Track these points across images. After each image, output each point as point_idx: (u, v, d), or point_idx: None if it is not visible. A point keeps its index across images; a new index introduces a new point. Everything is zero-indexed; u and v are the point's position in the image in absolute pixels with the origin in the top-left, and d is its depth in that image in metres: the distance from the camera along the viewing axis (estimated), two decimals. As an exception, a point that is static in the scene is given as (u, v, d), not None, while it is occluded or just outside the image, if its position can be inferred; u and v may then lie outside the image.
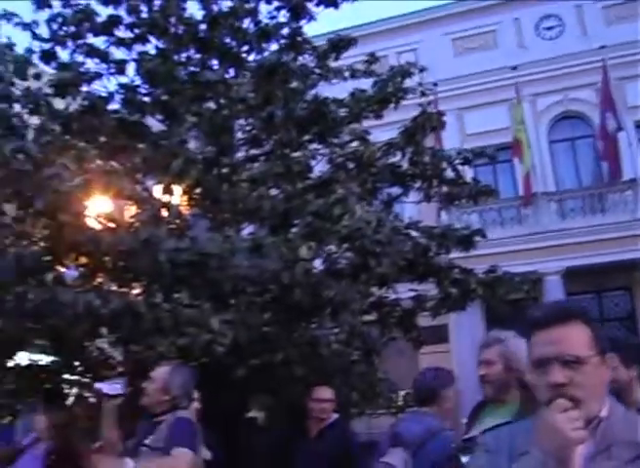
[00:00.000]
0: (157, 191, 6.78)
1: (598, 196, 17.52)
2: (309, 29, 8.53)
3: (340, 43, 8.51)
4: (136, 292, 6.37)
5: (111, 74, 8.25)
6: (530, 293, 8.32)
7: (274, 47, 8.36)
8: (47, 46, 8.05)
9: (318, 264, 6.69)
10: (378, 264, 6.02)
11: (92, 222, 5.77)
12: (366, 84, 8.43)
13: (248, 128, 8.17)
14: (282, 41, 8.33)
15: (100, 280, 6.36)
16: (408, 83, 8.36)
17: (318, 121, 7.49)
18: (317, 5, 8.29)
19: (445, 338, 17.02)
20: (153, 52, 7.99)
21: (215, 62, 8.25)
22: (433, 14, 20.67)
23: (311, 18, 8.27)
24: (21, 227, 6.20)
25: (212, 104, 7.70)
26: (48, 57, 8.04)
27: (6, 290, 5.37)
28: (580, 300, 15.93)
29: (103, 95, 7.82)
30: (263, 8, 8.36)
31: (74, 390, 6.85)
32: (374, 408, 8.96)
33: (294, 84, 7.73)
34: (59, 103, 7.47)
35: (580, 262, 16.42)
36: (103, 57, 8.19)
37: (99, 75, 8.08)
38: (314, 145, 8.03)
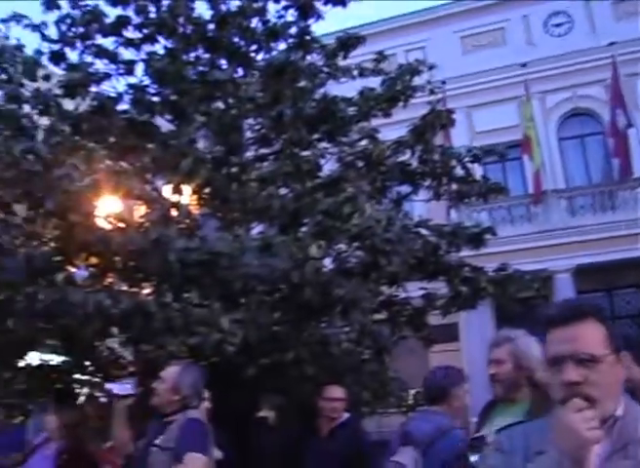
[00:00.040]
0: (167, 191, 6.78)
1: (608, 193, 17.45)
2: (317, 28, 8.55)
3: (348, 41, 8.49)
4: (146, 291, 6.37)
5: (120, 74, 8.27)
6: (540, 292, 8.28)
7: (282, 46, 8.35)
8: (56, 47, 8.07)
9: (328, 263, 6.68)
10: (388, 263, 6.00)
11: (102, 222, 5.77)
12: (374, 82, 8.40)
13: (257, 127, 8.16)
14: (290, 40, 8.31)
15: (110, 280, 6.37)
16: (417, 81, 8.34)
17: (327, 120, 7.48)
18: (325, 4, 8.27)
19: (455, 337, 16.99)
20: (162, 52, 8.00)
21: (223, 62, 8.24)
22: (441, 11, 20.66)
23: (319, 16, 8.25)
24: (32, 228, 6.23)
25: (221, 104, 7.70)
26: (57, 58, 8.06)
27: (17, 290, 5.39)
28: (590, 298, 15.85)
29: (113, 95, 7.83)
30: (271, 7, 8.36)
31: (85, 390, 6.87)
32: (384, 406, 8.94)
33: (302, 83, 7.72)
34: (68, 104, 7.49)
35: (591, 260, 16.37)
36: (112, 57, 8.20)
37: (108, 76, 8.09)
38: (323, 144, 8.01)
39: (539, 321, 1.85)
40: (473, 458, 2.90)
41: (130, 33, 8.15)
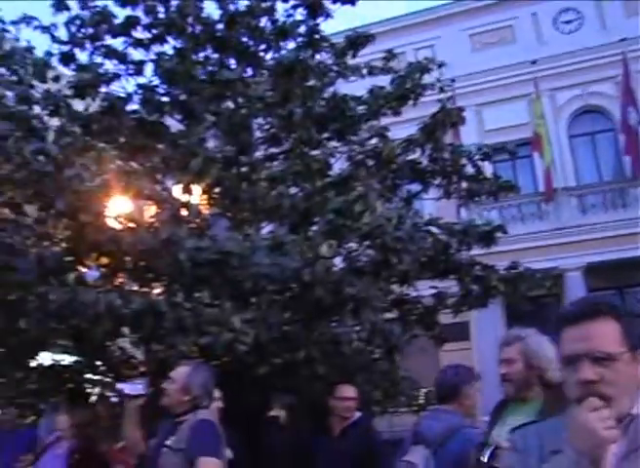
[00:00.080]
0: (177, 191, 6.79)
1: (619, 191, 17.34)
2: (326, 27, 8.55)
3: (357, 40, 8.48)
4: (157, 291, 6.38)
5: (130, 75, 8.30)
6: (551, 290, 8.26)
7: (291, 45, 8.35)
8: (66, 48, 8.12)
9: (339, 262, 6.67)
10: (399, 261, 5.98)
11: (112, 222, 5.79)
12: (383, 81, 8.39)
13: (266, 126, 8.16)
14: (299, 39, 8.32)
15: (121, 280, 6.40)
16: (426, 79, 8.32)
17: (337, 118, 7.48)
18: (334, 2, 8.28)
19: (466, 336, 16.93)
20: (171, 52, 8.02)
21: (232, 61, 8.26)
22: (450, 10, 20.58)
23: (328, 15, 8.25)
24: (43, 228, 6.25)
25: (230, 103, 7.72)
26: (67, 59, 8.10)
27: (28, 290, 5.41)
28: (604, 296, 15.76)
29: (122, 95, 7.86)
30: (280, 6, 8.37)
31: (96, 390, 6.89)
32: (395, 405, 8.92)
33: (312, 82, 7.72)
34: (78, 105, 7.52)
35: (602, 258, 16.26)
36: (122, 57, 8.23)
37: (117, 76, 8.12)
38: (333, 143, 8.01)
39: (553, 319, 1.83)
40: (484, 457, 2.89)
41: (139, 33, 8.19)
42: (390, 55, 8.90)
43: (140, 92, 8.01)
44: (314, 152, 7.41)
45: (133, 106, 7.81)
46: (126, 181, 5.78)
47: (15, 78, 7.24)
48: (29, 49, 7.67)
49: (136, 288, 6.30)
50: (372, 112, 8.08)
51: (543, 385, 3.10)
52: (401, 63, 8.76)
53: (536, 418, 2.48)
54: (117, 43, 8.22)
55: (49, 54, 7.96)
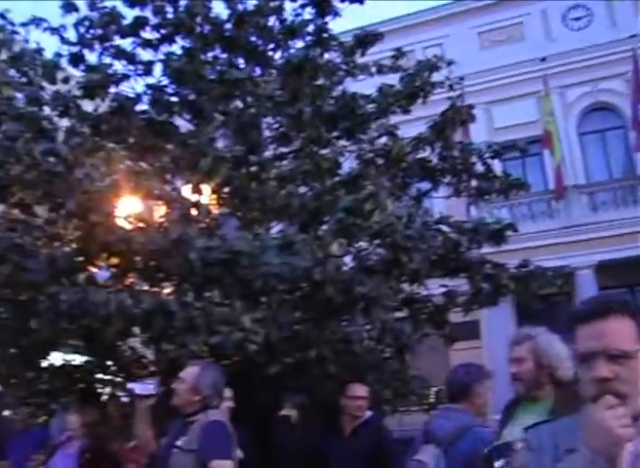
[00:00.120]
0: (186, 190, 6.80)
1: (630, 188, 17.27)
2: (335, 26, 8.52)
3: (365, 38, 8.46)
4: (167, 291, 6.39)
5: (139, 75, 8.31)
6: (562, 288, 8.22)
7: (300, 44, 8.34)
8: (75, 49, 8.14)
9: (349, 261, 6.66)
10: (409, 260, 5.97)
11: (122, 223, 5.79)
12: (392, 79, 8.37)
13: (276, 125, 8.16)
14: (308, 38, 8.31)
15: (131, 280, 6.40)
16: (435, 77, 8.30)
17: (346, 117, 7.47)
18: (342, 1, 8.26)
19: (477, 334, 16.87)
20: (180, 52, 8.02)
21: (241, 61, 8.26)
22: (459, 7, 20.52)
23: (336, 14, 8.24)
24: (53, 229, 6.27)
25: (239, 103, 7.71)
26: (76, 60, 8.12)
27: (39, 291, 5.43)
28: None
29: (131, 96, 7.87)
30: (288, 5, 8.36)
31: (107, 389, 6.91)
32: (406, 404, 8.91)
33: (321, 80, 7.71)
34: (87, 105, 7.54)
35: (613, 256, 16.20)
36: (131, 58, 8.25)
37: (126, 76, 8.14)
38: (343, 142, 8.00)
39: (565, 318, 1.82)
40: (498, 464, 2.87)
41: (148, 34, 8.20)
42: (399, 53, 8.87)
43: (149, 92, 8.02)
44: (324, 151, 7.40)
45: (142, 106, 7.82)
46: (136, 181, 5.80)
47: (24, 79, 7.28)
48: (39, 50, 7.70)
49: (146, 287, 6.30)
50: (381, 110, 8.06)
51: (554, 384, 3.09)
52: (410, 62, 8.74)
53: (547, 417, 2.46)
54: (126, 43, 8.26)
55: (58, 55, 7.98)
